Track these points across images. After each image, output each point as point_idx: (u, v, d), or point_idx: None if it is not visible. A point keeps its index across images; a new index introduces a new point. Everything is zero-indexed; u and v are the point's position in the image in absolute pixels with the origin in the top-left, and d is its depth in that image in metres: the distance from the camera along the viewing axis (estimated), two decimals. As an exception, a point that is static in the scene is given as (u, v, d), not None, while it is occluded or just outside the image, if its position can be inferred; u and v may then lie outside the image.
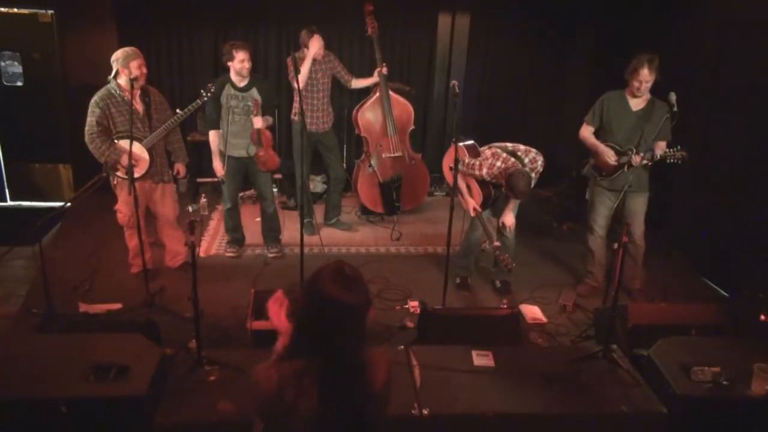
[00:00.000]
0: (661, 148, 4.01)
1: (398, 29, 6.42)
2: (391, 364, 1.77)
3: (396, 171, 5.65)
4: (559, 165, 6.33)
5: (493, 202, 4.32)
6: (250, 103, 4.47)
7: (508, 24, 6.54)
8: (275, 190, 5.87)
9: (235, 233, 4.99)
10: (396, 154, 5.59)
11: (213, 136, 4.60)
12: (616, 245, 3.18)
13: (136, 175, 3.99)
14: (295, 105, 5.07)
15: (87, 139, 4.02)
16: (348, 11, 5.84)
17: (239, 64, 4.38)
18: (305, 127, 4.67)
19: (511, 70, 6.74)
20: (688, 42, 5.14)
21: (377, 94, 5.42)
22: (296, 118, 5.12)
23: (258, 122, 4.46)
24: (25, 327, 3.69)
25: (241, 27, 6.25)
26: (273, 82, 5.45)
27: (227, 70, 4.50)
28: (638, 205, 4.20)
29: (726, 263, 4.60)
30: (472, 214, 4.23)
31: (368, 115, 5.46)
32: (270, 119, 4.66)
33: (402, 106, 5.55)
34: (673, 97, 3.75)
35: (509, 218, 4.27)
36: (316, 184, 6.26)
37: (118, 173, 4.11)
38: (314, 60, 4.97)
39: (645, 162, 3.97)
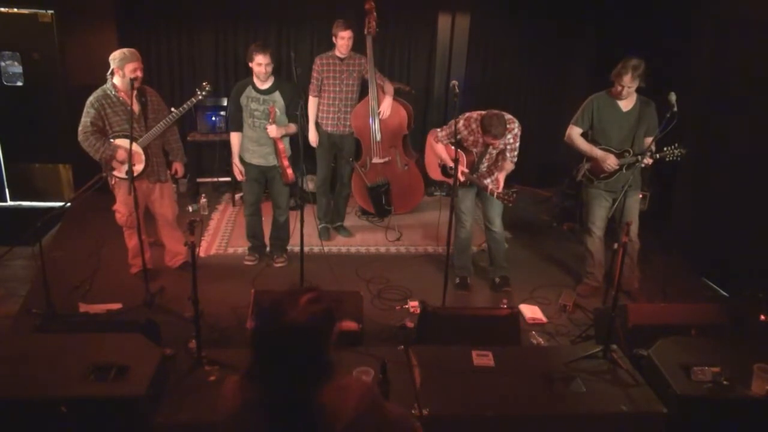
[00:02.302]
0: (648, 143, 4.08)
1: (398, 29, 6.42)
2: (366, 401, 1.63)
3: (383, 176, 5.54)
4: (559, 165, 6.34)
5: (479, 165, 4.29)
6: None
7: (508, 24, 6.54)
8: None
9: (255, 240, 4.87)
10: (383, 160, 5.47)
11: (234, 138, 4.55)
12: (616, 245, 3.18)
13: (125, 174, 4.00)
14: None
15: (81, 137, 4.02)
16: (351, 11, 5.84)
17: (257, 66, 4.29)
18: (304, 129, 4.64)
19: (511, 70, 6.75)
20: (688, 42, 5.14)
21: (366, 98, 5.24)
22: (318, 120, 5.12)
23: (272, 131, 4.33)
24: (25, 327, 3.69)
25: (242, 27, 6.25)
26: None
27: (250, 71, 4.41)
28: (635, 203, 4.24)
29: (726, 263, 4.60)
30: (461, 177, 4.19)
31: (358, 120, 5.27)
32: (293, 127, 4.46)
33: (394, 111, 5.31)
34: (673, 97, 3.76)
35: (500, 181, 4.24)
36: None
37: (115, 172, 4.10)
38: (339, 58, 4.90)
39: (651, 160, 4.02)
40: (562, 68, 6.75)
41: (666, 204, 5.35)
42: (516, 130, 4.14)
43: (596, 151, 4.17)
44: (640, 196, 4.41)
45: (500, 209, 4.38)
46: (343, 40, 4.81)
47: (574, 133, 4.26)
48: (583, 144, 4.24)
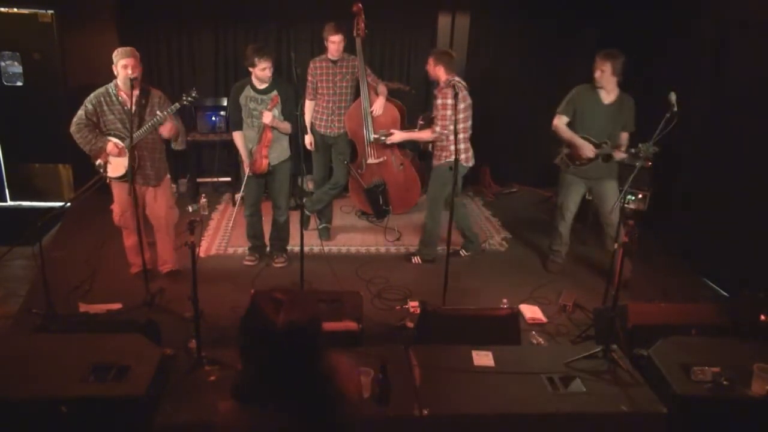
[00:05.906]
0: (624, 138, 4.33)
1: (398, 29, 6.42)
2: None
3: (379, 177, 5.52)
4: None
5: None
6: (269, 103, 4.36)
7: (509, 23, 6.54)
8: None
9: (256, 240, 4.85)
10: (378, 161, 5.44)
11: (236, 138, 4.54)
12: (616, 245, 3.18)
13: (114, 174, 4.05)
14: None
15: (74, 128, 4.01)
16: (351, 12, 5.83)
17: (261, 72, 4.28)
18: (303, 129, 4.63)
19: (511, 69, 6.74)
20: (689, 41, 5.14)
21: (359, 99, 5.19)
22: (313, 122, 5.14)
23: (267, 117, 4.32)
24: (25, 327, 3.69)
25: (241, 27, 6.25)
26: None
27: (249, 72, 4.38)
28: (610, 190, 4.44)
29: (726, 263, 4.60)
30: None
31: (352, 121, 5.21)
32: (288, 125, 4.47)
33: (387, 111, 5.25)
34: (673, 97, 3.74)
35: (397, 134, 4.92)
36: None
37: (102, 170, 4.11)
38: (332, 61, 4.89)
39: (625, 155, 4.20)
40: (563, 68, 6.72)
41: (666, 204, 5.35)
42: (440, 99, 4.44)
43: (577, 139, 4.39)
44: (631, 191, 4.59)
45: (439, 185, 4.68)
46: (333, 44, 4.80)
47: (560, 122, 4.49)
48: (565, 132, 4.48)
